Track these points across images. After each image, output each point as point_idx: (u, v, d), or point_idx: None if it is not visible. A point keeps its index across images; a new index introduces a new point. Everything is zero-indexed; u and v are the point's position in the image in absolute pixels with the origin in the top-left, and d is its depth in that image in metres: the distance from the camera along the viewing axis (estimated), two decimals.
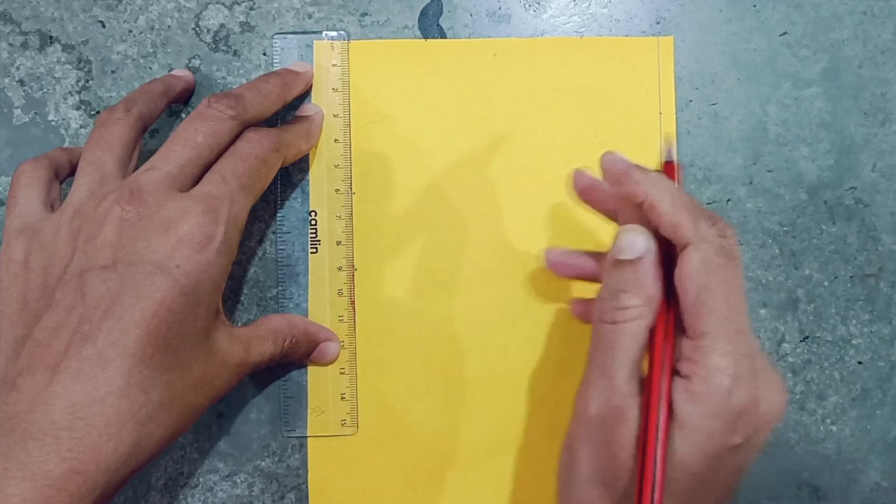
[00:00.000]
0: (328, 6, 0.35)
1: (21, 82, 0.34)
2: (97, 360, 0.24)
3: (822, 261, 0.35)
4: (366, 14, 0.35)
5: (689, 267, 0.24)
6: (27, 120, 0.34)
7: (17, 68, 0.34)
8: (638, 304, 0.24)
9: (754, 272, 0.35)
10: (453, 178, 0.34)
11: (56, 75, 0.34)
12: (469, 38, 0.35)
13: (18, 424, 0.23)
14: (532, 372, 0.34)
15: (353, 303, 0.34)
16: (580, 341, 0.34)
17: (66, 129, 0.34)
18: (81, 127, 0.34)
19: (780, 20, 0.35)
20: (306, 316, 0.34)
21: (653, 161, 0.34)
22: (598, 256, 0.30)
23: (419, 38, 0.35)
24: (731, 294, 0.24)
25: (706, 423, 0.23)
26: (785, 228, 0.35)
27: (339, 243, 0.34)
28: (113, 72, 0.34)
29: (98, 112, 0.34)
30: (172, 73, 0.34)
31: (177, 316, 0.25)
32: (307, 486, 0.34)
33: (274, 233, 0.34)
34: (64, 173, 0.31)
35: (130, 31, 0.35)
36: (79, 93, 0.34)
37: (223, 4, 0.35)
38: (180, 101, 0.34)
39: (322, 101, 0.34)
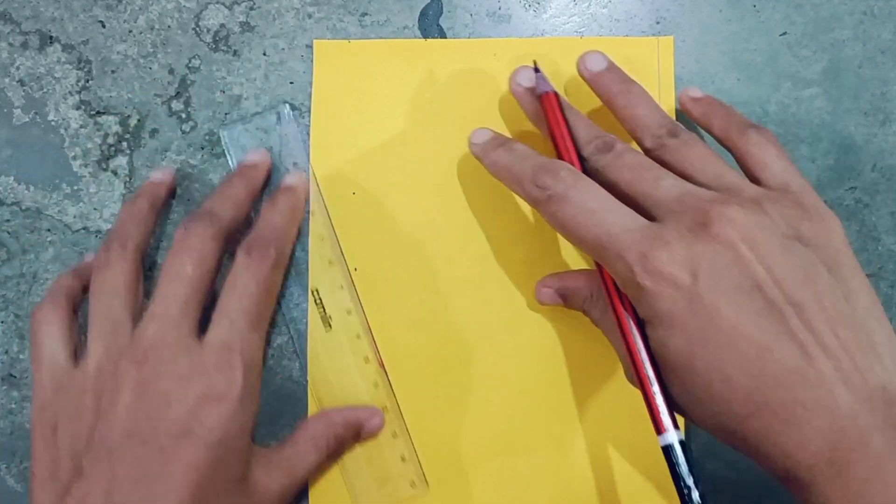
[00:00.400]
0: (328, 6, 0.35)
1: (21, 82, 0.34)
2: None
3: None
4: (366, 14, 0.35)
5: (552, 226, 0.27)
6: (27, 120, 0.34)
7: (17, 68, 0.34)
8: None
9: None
10: (453, 185, 0.34)
11: (56, 75, 0.34)
12: (469, 38, 0.35)
13: None
14: (542, 384, 0.34)
15: (382, 365, 0.33)
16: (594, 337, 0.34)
17: (65, 129, 0.34)
18: (81, 127, 0.34)
19: (780, 20, 0.35)
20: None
21: None
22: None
23: (419, 38, 0.35)
24: (589, 222, 0.25)
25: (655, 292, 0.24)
26: None
27: (349, 312, 0.33)
28: (113, 72, 0.35)
29: (98, 112, 0.34)
30: (151, 179, 0.33)
31: (206, 473, 0.25)
32: (307, 486, 0.34)
33: (282, 314, 0.34)
34: (79, 300, 0.31)
35: (130, 31, 0.35)
36: (79, 93, 0.34)
37: (223, 4, 0.35)
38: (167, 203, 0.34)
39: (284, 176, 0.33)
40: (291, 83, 0.34)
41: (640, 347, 0.26)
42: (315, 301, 0.33)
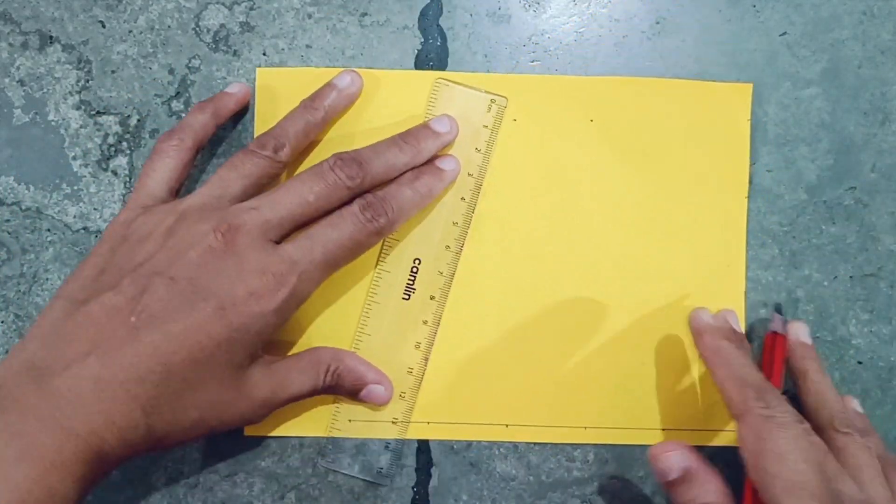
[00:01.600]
0: (328, 6, 0.35)
1: (21, 82, 0.34)
2: (130, 349, 0.26)
3: (821, 261, 0.35)
4: (366, 14, 0.35)
5: (740, 440, 0.28)
6: (27, 120, 0.34)
7: (17, 68, 0.34)
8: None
9: (754, 272, 0.35)
10: (561, 246, 0.34)
11: (56, 75, 0.34)
12: (469, 38, 0.35)
13: (52, 380, 0.25)
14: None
15: (426, 359, 0.33)
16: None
17: (66, 129, 0.34)
18: (81, 127, 0.34)
19: (779, 20, 0.35)
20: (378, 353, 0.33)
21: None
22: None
23: (418, 38, 0.35)
24: (788, 461, 0.26)
25: None
26: (785, 228, 0.35)
27: (432, 298, 0.33)
28: (113, 72, 0.35)
29: (98, 112, 0.34)
30: (227, 89, 0.34)
31: (212, 345, 0.27)
32: (307, 486, 0.34)
33: (375, 268, 0.34)
34: (205, 143, 0.33)
35: (130, 31, 0.35)
36: (79, 93, 0.34)
37: (223, 4, 0.35)
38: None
39: (461, 155, 0.33)
40: None
41: None
42: (412, 269, 0.33)
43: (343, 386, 0.32)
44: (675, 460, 0.29)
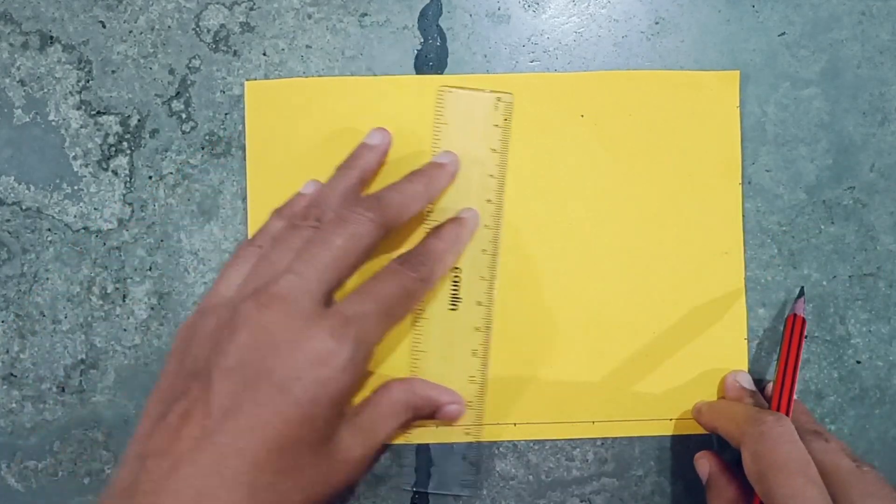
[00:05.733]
0: (328, 6, 0.35)
1: (21, 82, 0.34)
2: (214, 455, 0.25)
3: (820, 260, 0.35)
4: (365, 14, 0.35)
5: (745, 466, 0.28)
6: (27, 120, 0.34)
7: (18, 68, 0.34)
8: None
9: (753, 272, 0.35)
10: (597, 235, 0.34)
11: (56, 75, 0.35)
12: (468, 38, 0.35)
13: (145, 499, 0.24)
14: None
15: (486, 365, 0.34)
16: None
17: (66, 129, 0.34)
18: (82, 127, 0.34)
19: (778, 20, 0.35)
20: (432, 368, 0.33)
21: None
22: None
23: (418, 38, 0.35)
24: (785, 473, 0.27)
25: None
26: (784, 228, 0.35)
27: (479, 304, 0.33)
28: (113, 72, 0.35)
29: (98, 112, 0.34)
30: (367, 142, 0.33)
31: (292, 427, 0.26)
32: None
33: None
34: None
35: (130, 31, 0.35)
36: (79, 93, 0.35)
37: (223, 4, 0.35)
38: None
39: (477, 158, 0.34)
40: None
41: None
42: (454, 279, 0.33)
43: (420, 417, 0.32)
44: (700, 467, 0.32)
